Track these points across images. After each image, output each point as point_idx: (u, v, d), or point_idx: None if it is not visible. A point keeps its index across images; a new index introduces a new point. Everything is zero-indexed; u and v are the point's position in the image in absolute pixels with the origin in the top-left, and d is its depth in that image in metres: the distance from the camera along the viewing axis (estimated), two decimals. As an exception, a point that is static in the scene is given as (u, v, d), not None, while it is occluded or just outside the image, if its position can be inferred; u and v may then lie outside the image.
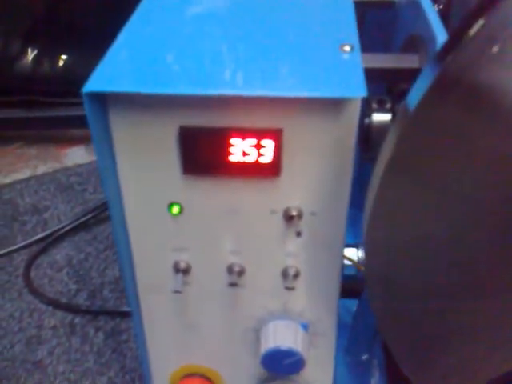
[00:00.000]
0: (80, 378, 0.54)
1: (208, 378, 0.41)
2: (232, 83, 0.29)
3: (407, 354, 0.38)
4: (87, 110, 0.29)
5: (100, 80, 0.29)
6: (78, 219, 0.74)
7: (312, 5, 0.36)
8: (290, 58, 0.31)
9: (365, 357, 0.51)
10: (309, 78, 0.29)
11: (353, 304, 0.49)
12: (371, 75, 0.32)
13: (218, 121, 0.30)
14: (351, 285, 0.43)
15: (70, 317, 0.61)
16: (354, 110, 0.29)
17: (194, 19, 0.36)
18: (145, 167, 0.32)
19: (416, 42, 0.37)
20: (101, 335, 0.59)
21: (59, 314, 0.61)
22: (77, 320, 0.61)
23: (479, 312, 0.35)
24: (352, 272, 0.44)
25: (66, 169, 0.87)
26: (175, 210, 0.33)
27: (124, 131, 0.30)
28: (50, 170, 0.88)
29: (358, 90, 0.27)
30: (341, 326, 0.53)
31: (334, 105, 0.28)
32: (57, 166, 0.89)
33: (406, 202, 0.30)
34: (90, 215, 0.74)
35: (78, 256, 0.69)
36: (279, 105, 0.29)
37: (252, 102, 0.29)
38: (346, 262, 0.58)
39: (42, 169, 0.89)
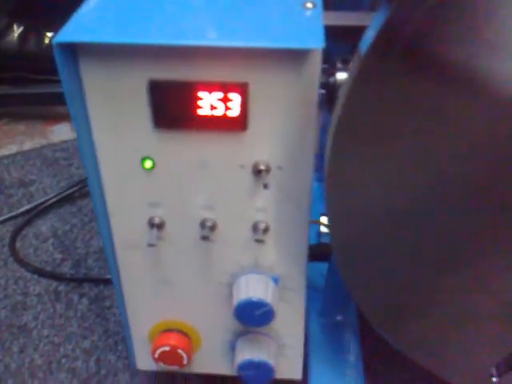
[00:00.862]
0: (64, 341, 0.56)
1: (185, 333, 0.43)
2: (198, 35, 0.30)
3: (379, 319, 0.39)
4: (58, 60, 0.29)
5: (70, 31, 0.29)
6: (63, 192, 0.75)
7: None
8: (254, 13, 0.32)
9: (339, 318, 0.52)
10: (271, 31, 0.30)
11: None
12: (335, 33, 0.33)
13: (185, 74, 0.31)
14: (328, 250, 0.44)
15: (54, 284, 0.62)
16: (315, 62, 0.30)
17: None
18: (117, 120, 0.33)
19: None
20: (85, 301, 0.60)
21: (44, 281, 0.62)
22: (61, 287, 0.62)
23: (445, 280, 0.36)
24: (328, 240, 0.45)
25: (52, 144, 0.88)
26: (148, 164, 0.34)
27: (95, 83, 0.31)
28: (37, 146, 0.88)
29: (316, 41, 0.28)
30: (316, 290, 0.55)
31: (295, 57, 0.29)
32: (43, 141, 0.90)
33: (360, 168, 0.31)
34: (74, 188, 0.75)
35: (63, 227, 0.70)
36: (243, 58, 0.30)
37: (217, 55, 0.30)
38: (324, 229, 0.60)
39: (28, 144, 0.89)
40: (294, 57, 0.29)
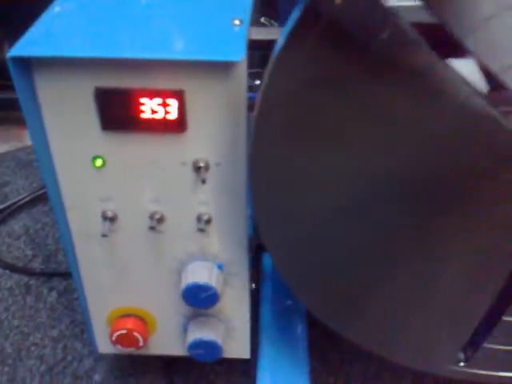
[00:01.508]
0: (33, 330, 0.59)
1: (140, 317, 0.46)
2: (138, 48, 0.34)
3: (325, 313, 0.43)
4: (12, 73, 0.33)
5: (23, 45, 0.33)
6: (36, 192, 0.78)
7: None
8: (189, 29, 0.35)
9: (289, 303, 0.56)
10: (202, 45, 0.34)
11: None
12: (258, 46, 0.37)
13: (128, 83, 0.34)
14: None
15: (25, 279, 0.65)
16: (240, 71, 0.33)
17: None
18: (69, 125, 0.36)
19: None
20: (54, 294, 0.63)
21: (16, 276, 0.65)
22: (32, 281, 0.65)
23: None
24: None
25: (27, 147, 0.91)
26: (98, 162, 0.38)
27: (48, 92, 0.35)
28: (12, 149, 0.91)
29: (237, 55, 0.32)
30: (268, 278, 0.59)
31: (222, 67, 0.33)
32: (18, 145, 0.93)
33: (283, 167, 0.35)
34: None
35: (35, 226, 0.73)
36: (178, 69, 0.34)
37: (155, 66, 0.34)
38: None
39: (4, 148, 0.92)
40: (221, 67, 0.33)
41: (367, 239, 0.38)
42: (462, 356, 0.44)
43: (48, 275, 0.65)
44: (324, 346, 0.56)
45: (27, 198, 0.77)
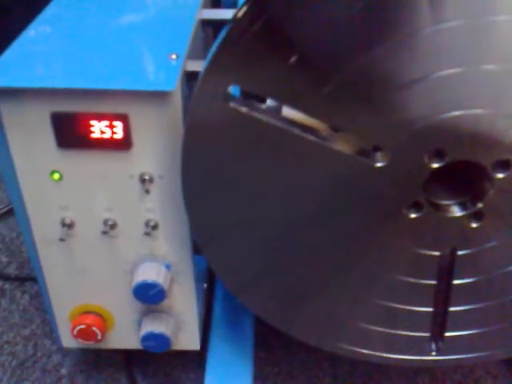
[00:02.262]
0: (6, 330, 0.63)
1: (99, 314, 0.51)
2: (88, 79, 0.39)
3: (266, 313, 0.48)
4: (-22, 101, 0.38)
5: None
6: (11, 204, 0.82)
7: (162, 23, 0.47)
8: (133, 61, 0.41)
9: (239, 300, 0.61)
10: (142, 76, 0.39)
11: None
12: (194, 76, 0.42)
13: (79, 107, 0.40)
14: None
15: (0, 283, 0.69)
16: (175, 98, 0.39)
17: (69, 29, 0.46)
18: (30, 144, 0.41)
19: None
20: (26, 297, 0.68)
21: (-9, 281, 0.70)
22: (7, 286, 0.69)
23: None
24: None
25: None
26: (56, 176, 0.43)
27: (11, 116, 0.40)
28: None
29: (170, 85, 0.38)
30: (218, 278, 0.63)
31: (159, 95, 0.39)
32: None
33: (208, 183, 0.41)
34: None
35: (11, 235, 0.78)
36: (122, 96, 0.39)
37: (102, 94, 0.39)
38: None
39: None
40: (158, 96, 0.39)
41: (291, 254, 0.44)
42: (433, 347, 0.49)
43: (21, 280, 0.70)
44: (270, 339, 0.61)
45: (4, 210, 0.82)
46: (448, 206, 0.39)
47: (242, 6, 0.34)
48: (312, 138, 0.37)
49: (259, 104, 0.37)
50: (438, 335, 0.48)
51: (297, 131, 0.37)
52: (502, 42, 0.33)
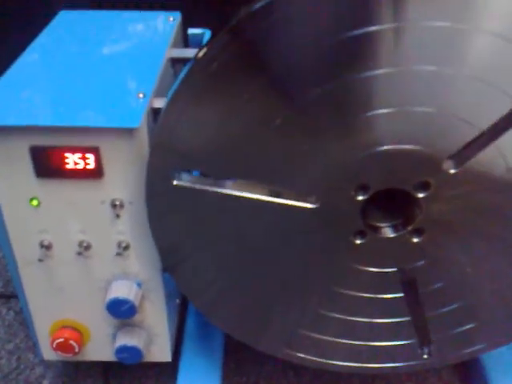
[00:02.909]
0: (-8, 345, 0.67)
1: (76, 329, 0.55)
2: (62, 116, 0.43)
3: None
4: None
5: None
6: None
7: (133, 62, 0.51)
8: (103, 100, 0.45)
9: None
10: (111, 114, 0.43)
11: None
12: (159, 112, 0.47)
13: (55, 141, 0.44)
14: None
15: (-14, 301, 0.73)
16: (140, 133, 0.43)
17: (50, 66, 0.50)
18: (11, 174, 0.45)
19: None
20: (11, 313, 0.71)
21: (-22, 299, 0.73)
22: (-8, 303, 0.73)
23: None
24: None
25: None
26: (35, 202, 0.47)
27: (-7, 150, 0.44)
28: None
29: (136, 122, 0.42)
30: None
31: (126, 130, 0.43)
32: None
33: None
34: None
35: (-3, 255, 0.81)
36: (93, 132, 0.43)
37: (76, 130, 0.43)
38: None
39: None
40: (125, 131, 0.43)
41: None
42: (425, 351, 0.53)
43: (6, 297, 0.73)
44: (240, 351, 0.65)
45: (-8, 230, 0.85)
46: (384, 228, 0.43)
47: (202, 47, 0.38)
48: (254, 196, 0.42)
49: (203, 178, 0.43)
50: (425, 340, 0.52)
51: (240, 194, 0.43)
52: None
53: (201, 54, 0.38)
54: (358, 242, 0.44)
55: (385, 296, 0.48)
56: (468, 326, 0.50)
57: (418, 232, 0.44)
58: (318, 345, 0.50)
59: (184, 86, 0.39)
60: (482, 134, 0.39)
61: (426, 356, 0.52)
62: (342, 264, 0.46)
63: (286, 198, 0.43)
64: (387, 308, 0.48)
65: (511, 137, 0.39)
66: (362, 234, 0.44)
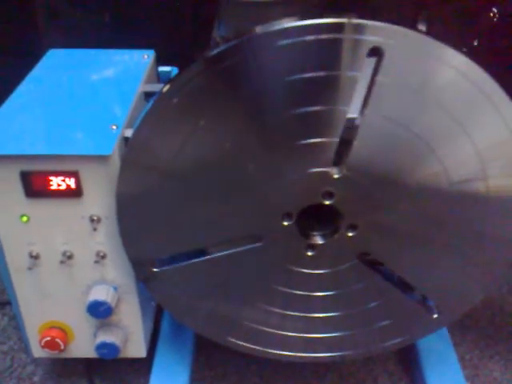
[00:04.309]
0: (-12, 347, 0.73)
1: (61, 328, 0.61)
2: (47, 146, 0.50)
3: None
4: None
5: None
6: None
7: (108, 96, 0.58)
8: (83, 131, 0.52)
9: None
10: (88, 143, 0.51)
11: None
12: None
13: (41, 167, 0.51)
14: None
15: (-17, 307, 0.79)
16: (113, 159, 0.50)
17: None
18: (3, 194, 0.52)
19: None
20: (6, 318, 0.77)
21: (-25, 306, 0.80)
22: (-12, 309, 0.79)
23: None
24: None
25: None
26: (24, 219, 0.54)
27: (-12, 175, 0.51)
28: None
29: (109, 150, 0.49)
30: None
31: (100, 158, 0.50)
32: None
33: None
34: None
35: (-6, 266, 0.88)
36: (73, 158, 0.50)
37: (57, 158, 0.50)
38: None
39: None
40: (100, 158, 0.50)
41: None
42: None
43: (1, 304, 0.79)
44: (209, 347, 0.71)
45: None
46: (316, 236, 0.50)
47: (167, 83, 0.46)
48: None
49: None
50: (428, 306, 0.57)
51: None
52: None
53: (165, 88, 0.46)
54: (310, 254, 0.51)
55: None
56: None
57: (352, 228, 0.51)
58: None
59: (148, 116, 0.46)
60: (341, 143, 0.46)
61: (436, 315, 0.56)
62: (296, 273, 0.53)
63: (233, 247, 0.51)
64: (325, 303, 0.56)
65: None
66: (310, 248, 0.51)
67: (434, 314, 0.56)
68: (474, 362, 0.72)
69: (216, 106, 0.45)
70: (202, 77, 0.44)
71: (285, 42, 0.42)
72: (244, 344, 0.59)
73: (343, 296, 0.53)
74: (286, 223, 0.49)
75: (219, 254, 0.53)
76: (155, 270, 0.54)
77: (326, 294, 0.53)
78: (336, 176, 0.47)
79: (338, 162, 0.47)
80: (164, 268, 0.54)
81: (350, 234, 0.50)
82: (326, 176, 0.47)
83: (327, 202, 0.48)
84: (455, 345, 0.68)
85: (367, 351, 0.59)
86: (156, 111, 0.46)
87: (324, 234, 0.50)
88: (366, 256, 0.52)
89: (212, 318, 0.58)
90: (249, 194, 0.49)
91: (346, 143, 0.46)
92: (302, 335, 0.57)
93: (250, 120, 0.45)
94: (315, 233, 0.50)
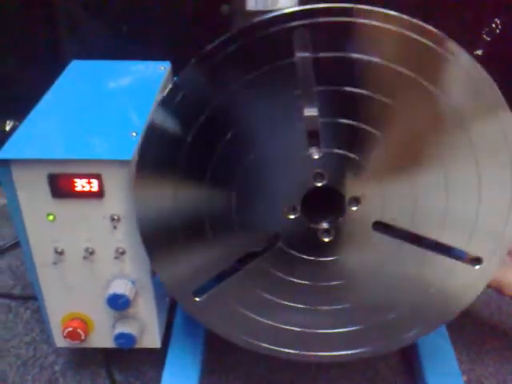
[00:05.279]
0: (12, 337, 0.77)
1: (82, 320, 0.65)
2: (73, 151, 0.55)
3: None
4: (-3, 166, 0.54)
5: (4, 150, 0.54)
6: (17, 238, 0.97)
7: (130, 106, 0.63)
8: (106, 137, 0.57)
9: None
10: (111, 149, 0.55)
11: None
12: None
13: (67, 170, 0.55)
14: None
15: (8, 301, 0.83)
16: (132, 164, 0.54)
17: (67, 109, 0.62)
18: (32, 195, 0.57)
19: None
20: (28, 312, 0.82)
21: (0, 300, 0.84)
22: (13, 304, 0.83)
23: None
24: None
25: (12, 203, 1.10)
26: (51, 217, 0.58)
27: (19, 176, 0.55)
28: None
29: (128, 155, 0.53)
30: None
31: (121, 162, 0.54)
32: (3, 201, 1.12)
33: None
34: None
35: (16, 263, 0.92)
36: (97, 163, 0.55)
37: (82, 162, 0.55)
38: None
39: (-5, 203, 1.12)
40: (121, 162, 0.54)
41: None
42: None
43: (24, 299, 0.84)
44: (219, 342, 0.75)
45: (12, 242, 0.96)
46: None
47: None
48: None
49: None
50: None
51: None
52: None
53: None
54: (327, 239, 0.54)
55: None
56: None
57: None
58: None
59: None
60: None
61: (478, 267, 0.55)
62: (316, 263, 0.56)
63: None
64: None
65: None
66: (326, 232, 0.54)
67: (478, 263, 0.55)
68: (472, 357, 0.75)
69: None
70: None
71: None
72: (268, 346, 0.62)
73: (369, 281, 0.56)
74: (292, 216, 0.53)
75: (247, 267, 0.56)
76: (197, 299, 0.58)
77: (344, 283, 0.56)
78: (316, 156, 0.51)
79: (313, 143, 0.51)
80: (205, 295, 0.58)
81: (355, 209, 0.53)
82: (309, 160, 0.51)
83: (320, 184, 0.51)
84: (453, 341, 0.72)
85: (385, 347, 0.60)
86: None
87: (333, 219, 0.54)
88: (381, 224, 0.54)
89: (246, 324, 0.61)
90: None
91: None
92: (325, 331, 0.59)
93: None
94: (325, 220, 0.54)
